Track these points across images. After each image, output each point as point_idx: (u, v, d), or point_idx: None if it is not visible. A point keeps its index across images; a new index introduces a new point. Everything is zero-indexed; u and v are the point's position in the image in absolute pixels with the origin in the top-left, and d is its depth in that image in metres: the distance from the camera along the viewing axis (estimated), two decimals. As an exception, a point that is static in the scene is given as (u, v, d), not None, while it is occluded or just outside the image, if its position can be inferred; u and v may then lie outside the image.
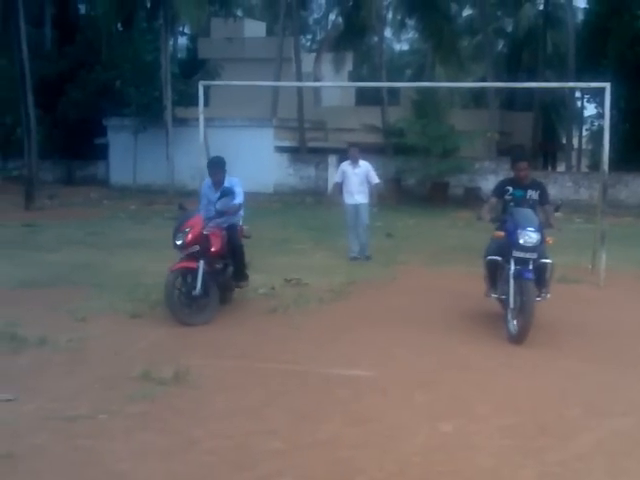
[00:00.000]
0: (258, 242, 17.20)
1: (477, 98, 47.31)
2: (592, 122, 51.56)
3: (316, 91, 38.44)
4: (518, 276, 8.49)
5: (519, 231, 8.49)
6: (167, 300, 9.12)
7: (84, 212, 25.25)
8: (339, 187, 15.51)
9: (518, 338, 8.41)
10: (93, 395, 6.61)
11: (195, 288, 9.15)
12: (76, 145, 37.45)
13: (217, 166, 10.06)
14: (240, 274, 10.10)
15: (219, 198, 9.66)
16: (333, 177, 15.30)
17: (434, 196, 29.82)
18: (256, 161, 32.82)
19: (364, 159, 15.93)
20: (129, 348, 8.14)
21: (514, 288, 8.54)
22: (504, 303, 8.96)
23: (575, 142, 46.94)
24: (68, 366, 7.51)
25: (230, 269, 9.93)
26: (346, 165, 15.55)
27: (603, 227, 12.87)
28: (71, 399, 6.47)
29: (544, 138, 43.27)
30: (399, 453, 5.47)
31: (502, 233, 8.78)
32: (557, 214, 9.35)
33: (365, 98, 40.14)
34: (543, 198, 9.29)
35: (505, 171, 31.07)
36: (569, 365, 7.73)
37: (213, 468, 5.17)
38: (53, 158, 36.98)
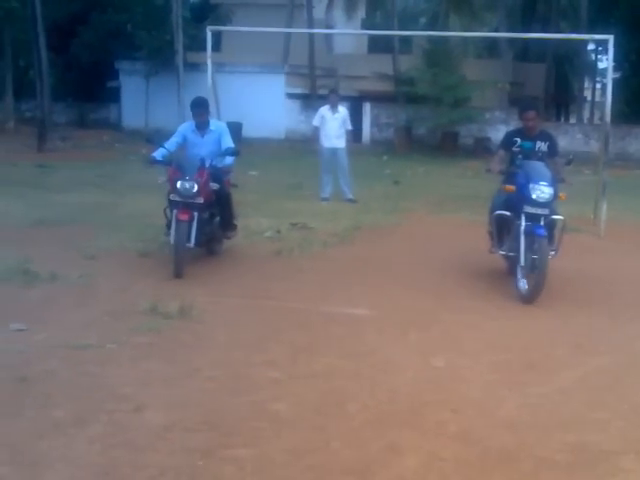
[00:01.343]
0: (267, 187, 17.55)
1: (490, 48, 47.03)
2: (605, 75, 51.20)
3: (328, 38, 38.30)
4: (530, 233, 8.13)
5: (531, 185, 8.09)
6: (177, 251, 8.70)
7: (96, 154, 25.52)
8: (317, 131, 16.00)
9: (530, 297, 8.08)
10: (101, 327, 6.91)
11: (189, 240, 8.75)
12: (88, 88, 37.60)
13: (201, 106, 9.53)
14: (228, 224, 9.84)
15: (223, 154, 9.42)
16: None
17: (444, 145, 29.96)
18: (267, 107, 32.98)
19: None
20: (137, 284, 8.42)
21: (525, 245, 8.17)
22: (511, 260, 8.75)
23: (589, 94, 46.79)
24: (78, 300, 7.81)
25: (217, 219, 9.61)
26: (325, 110, 16.05)
27: (604, 178, 13.03)
28: (80, 330, 6.78)
29: (557, 90, 43.10)
30: (390, 384, 5.76)
31: (512, 187, 8.35)
32: (568, 168, 9.03)
33: (377, 46, 39.99)
34: (552, 150, 8.89)
35: (515, 121, 31.12)
36: (561, 309, 7.97)
37: (213, 393, 5.47)
38: (66, 101, 37.14)
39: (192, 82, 30.32)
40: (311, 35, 32.74)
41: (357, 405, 5.33)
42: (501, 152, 9.06)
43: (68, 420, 4.93)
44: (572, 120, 46.04)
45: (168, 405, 5.23)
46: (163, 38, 32.02)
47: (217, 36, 30.21)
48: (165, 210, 9.21)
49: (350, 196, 15.73)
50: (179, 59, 30.11)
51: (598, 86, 51.18)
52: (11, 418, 4.97)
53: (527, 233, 8.16)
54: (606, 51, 40.65)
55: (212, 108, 13.57)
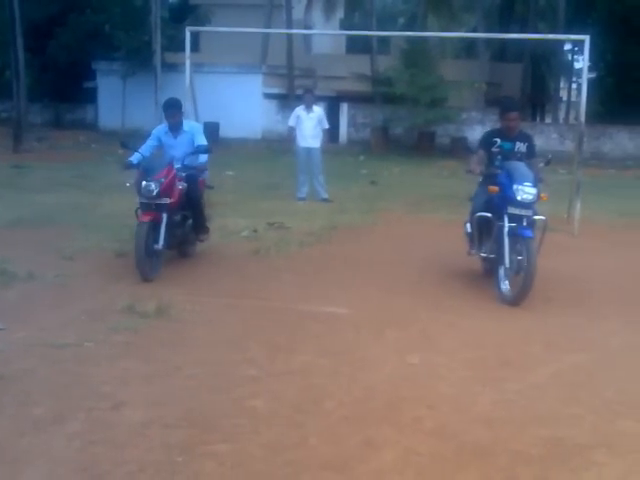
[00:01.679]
0: (244, 187, 17.60)
1: (468, 48, 47.30)
2: (581, 75, 51.57)
3: (306, 38, 38.38)
4: (514, 234, 8.05)
5: (516, 186, 8.01)
6: (137, 252, 8.40)
7: (72, 155, 25.43)
8: (293, 131, 16.09)
9: (515, 299, 8.00)
10: (79, 326, 6.93)
11: (157, 242, 8.56)
12: (65, 88, 37.48)
13: (174, 107, 9.34)
14: (200, 227, 9.64)
15: (192, 153, 9.24)
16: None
17: (421, 145, 30.09)
18: (245, 107, 33.01)
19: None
20: (114, 284, 8.44)
21: (509, 247, 8.09)
22: (490, 262, 8.69)
23: (565, 94, 47.11)
24: (55, 299, 7.83)
25: (189, 222, 9.40)
26: (301, 110, 16.17)
27: (579, 178, 13.17)
28: (58, 329, 6.79)
29: (533, 90, 43.38)
30: (367, 381, 5.82)
31: (496, 188, 8.25)
32: (545, 168, 8.93)
33: (355, 46, 40.16)
34: (530, 151, 8.82)
35: (492, 122, 31.32)
36: (536, 307, 8.04)
37: (193, 391, 5.51)
38: (42, 101, 37.01)
39: (170, 83, 30.25)
40: (289, 35, 32.77)
41: (334, 402, 5.39)
42: (481, 152, 8.90)
43: (48, 418, 4.96)
44: (548, 120, 46.37)
45: (147, 402, 5.26)
46: (141, 39, 31.97)
47: (195, 36, 30.19)
48: (136, 211, 9.02)
49: (325, 196, 15.84)
50: (157, 59, 30.07)
51: (574, 86, 51.54)
52: (-10, 416, 4.99)
53: (511, 234, 8.07)
54: (582, 51, 41.01)
55: (190, 109, 13.62)
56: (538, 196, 8.15)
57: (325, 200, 15.66)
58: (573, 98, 52.14)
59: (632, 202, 17.06)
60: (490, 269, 8.85)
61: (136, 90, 32.53)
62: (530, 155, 8.79)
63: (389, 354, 6.49)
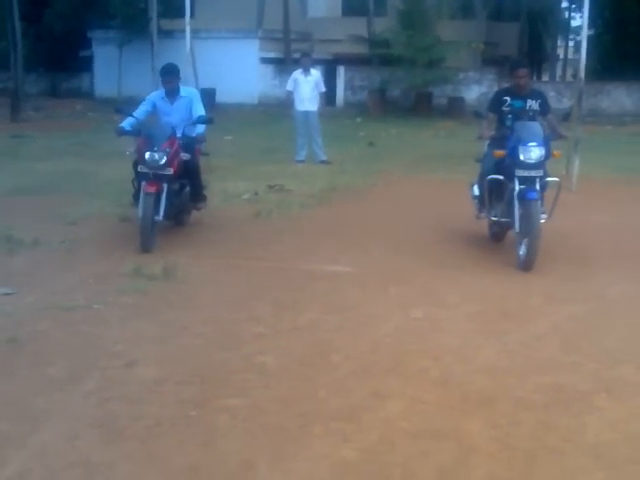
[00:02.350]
0: (243, 151, 17.67)
1: (464, 8, 46.99)
2: (578, 32, 51.36)
3: (302, 1, 38.15)
4: (523, 196, 7.84)
5: (520, 147, 7.80)
6: (143, 223, 8.29)
7: (70, 124, 25.44)
8: (291, 95, 16.11)
9: (525, 265, 7.81)
10: (88, 289, 7.05)
11: (158, 213, 8.41)
12: (61, 57, 37.31)
13: (171, 73, 9.11)
14: (198, 195, 9.46)
15: (195, 122, 9.04)
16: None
17: (418, 106, 30.06)
18: (241, 72, 32.93)
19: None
20: (119, 249, 8.54)
21: (520, 210, 7.90)
22: (499, 226, 8.62)
23: (562, 52, 46.96)
24: (62, 264, 7.95)
25: (187, 190, 9.22)
26: (298, 74, 16.22)
27: (577, 134, 13.23)
28: (67, 292, 6.91)
29: (530, 48, 43.23)
30: (372, 335, 5.95)
31: (502, 152, 8.00)
32: (565, 123, 8.61)
33: (352, 9, 39.86)
34: (544, 108, 8.49)
35: (489, 81, 31.38)
36: (536, 261, 8.15)
37: (202, 349, 5.64)
38: (37, 71, 36.90)
39: (166, 50, 30.11)
40: (285, -1, 32.61)
41: (341, 356, 5.52)
42: (490, 115, 8.60)
43: (63, 377, 5.09)
44: (545, 78, 46.23)
45: (159, 361, 5.40)
46: (137, 6, 31.86)
47: (191, 2, 29.97)
48: (133, 181, 8.94)
49: (323, 158, 15.94)
50: (153, 27, 29.84)
51: (571, 44, 51.38)
52: (6, 377, 5.11)
53: (520, 197, 7.88)
54: (579, 9, 40.80)
55: (190, 75, 13.64)
56: (547, 155, 7.91)
57: (324, 162, 15.77)
58: (570, 56, 51.95)
59: (629, 158, 17.14)
60: (499, 233, 8.81)
61: (132, 58, 32.42)
62: (544, 112, 8.51)
63: (393, 309, 6.62)
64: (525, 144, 7.81)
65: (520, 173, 7.86)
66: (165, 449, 4.20)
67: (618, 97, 29.61)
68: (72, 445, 4.21)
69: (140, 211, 8.40)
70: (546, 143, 7.93)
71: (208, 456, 4.14)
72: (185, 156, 8.85)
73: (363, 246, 8.92)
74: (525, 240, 7.84)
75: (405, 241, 9.23)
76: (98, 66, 36.46)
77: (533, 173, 7.86)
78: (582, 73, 13.29)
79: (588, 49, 13.56)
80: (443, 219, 10.36)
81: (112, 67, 33.29)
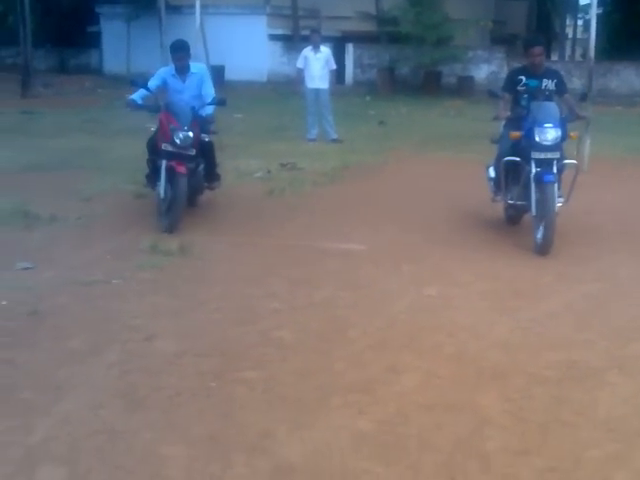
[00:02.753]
0: (253, 129, 17.71)
1: (473, -14, 46.77)
2: (587, 11, 51.10)
3: (310, -22, 37.97)
4: (539, 179, 7.68)
5: (535, 128, 7.63)
6: (179, 205, 8.25)
7: (79, 100, 25.48)
8: (302, 73, 16.12)
9: (541, 249, 7.69)
10: (105, 264, 7.16)
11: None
12: (68, 33, 37.25)
13: (182, 50, 8.93)
14: (212, 174, 9.33)
15: (209, 104, 8.89)
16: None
17: (427, 85, 29.98)
18: (250, 49, 32.85)
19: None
20: (135, 225, 8.64)
21: (536, 193, 7.73)
22: (516, 209, 8.47)
23: (570, 31, 46.75)
24: (79, 240, 8.06)
25: (201, 168, 9.04)
26: (308, 51, 16.21)
27: (588, 114, 13.24)
28: (85, 267, 7.02)
29: (538, 27, 43.02)
30: (387, 312, 6.05)
31: (518, 133, 7.85)
32: (584, 104, 8.30)
33: (359, -15, 39.68)
34: (561, 87, 8.27)
35: (498, 60, 31.30)
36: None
37: (220, 324, 5.75)
38: (45, 47, 36.80)
39: (174, 25, 30.01)
40: (293, -25, 32.49)
41: (357, 331, 5.62)
42: (506, 96, 8.36)
43: (84, 349, 5.20)
44: (554, 57, 46.03)
45: (177, 334, 5.50)
46: (144, -19, 31.72)
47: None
48: (148, 161, 8.92)
49: (335, 136, 15.97)
50: (161, 2, 29.79)
51: (580, 23, 51.15)
52: (28, 349, 5.23)
53: (537, 180, 7.70)
54: (588, -12, 40.45)
55: (200, 52, 13.67)
56: (564, 136, 7.76)
57: (335, 140, 15.81)
58: (579, 35, 51.75)
59: (639, 138, 17.15)
60: (515, 216, 8.73)
61: (140, 34, 32.34)
62: (561, 92, 8.29)
63: (407, 287, 6.71)
64: (541, 125, 7.63)
65: (536, 155, 7.68)
66: (186, 418, 4.31)
67: (627, 77, 29.51)
68: (95, 414, 4.32)
69: (163, 191, 8.29)
70: (563, 124, 7.75)
71: (228, 425, 4.24)
72: (205, 137, 8.83)
73: (375, 224, 9.00)
74: (542, 224, 7.68)
75: (417, 219, 9.30)
76: (106, 42, 36.40)
77: (549, 155, 7.68)
78: (592, 52, 13.29)
79: (597, 28, 13.51)
80: (454, 198, 10.42)
81: (120, 43, 33.26)
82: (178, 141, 8.25)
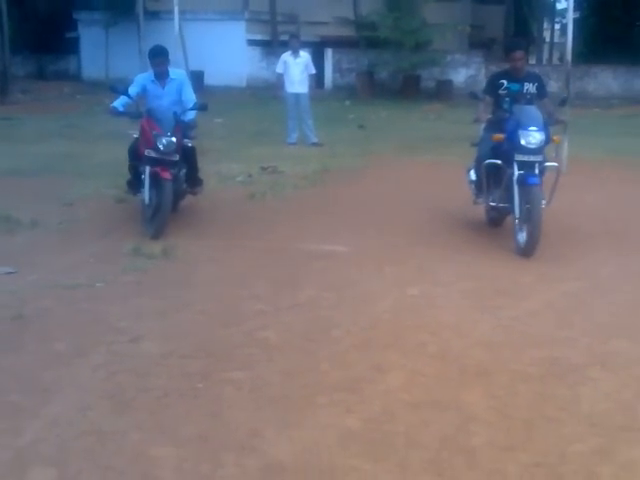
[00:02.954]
0: (234, 134, 17.73)
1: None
2: (564, 15, 51.47)
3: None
4: (523, 182, 7.72)
5: (520, 131, 7.65)
6: (165, 211, 8.18)
7: (58, 106, 25.38)
8: (281, 78, 16.19)
9: (526, 250, 7.69)
10: (89, 268, 7.16)
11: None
12: (46, 39, 37.11)
13: (161, 55, 8.84)
14: (195, 179, 9.24)
15: (190, 109, 8.80)
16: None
17: (406, 89, 30.10)
18: (228, 55, 32.87)
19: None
20: (117, 229, 8.65)
21: (519, 195, 7.76)
22: (498, 212, 8.50)
23: (548, 35, 47.08)
24: (62, 244, 8.05)
25: (182, 173, 8.95)
26: (287, 56, 16.31)
27: (566, 116, 13.35)
28: (69, 271, 7.02)
29: (516, 31, 43.29)
30: (371, 312, 6.10)
31: (501, 136, 7.86)
32: (563, 108, 8.28)
33: (337, -10, 39.77)
34: (542, 91, 8.32)
35: (476, 64, 31.47)
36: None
37: (205, 325, 5.77)
38: (23, 53, 36.65)
39: (153, 31, 29.95)
40: (271, -20, 32.54)
41: (342, 331, 5.66)
42: (487, 99, 8.41)
43: (70, 352, 5.21)
44: (531, 61, 46.33)
45: (163, 336, 5.52)
46: (122, -14, 31.69)
47: (176, -17, 29.96)
48: (129, 167, 8.91)
49: (315, 140, 16.03)
50: (139, 8, 29.70)
51: (557, 27, 51.52)
52: (14, 352, 5.23)
53: (520, 182, 7.74)
54: (564, -8, 40.71)
55: (180, 57, 13.68)
56: (547, 140, 7.81)
57: (315, 144, 15.87)
58: (556, 39, 52.13)
59: (617, 140, 17.34)
60: (497, 218, 8.74)
61: (119, 39, 32.29)
62: (541, 96, 8.32)
63: (390, 287, 6.76)
64: (526, 128, 7.66)
65: (520, 158, 7.73)
66: (174, 419, 4.33)
67: (605, 80, 29.79)
68: (83, 415, 4.34)
69: (147, 197, 8.29)
70: (546, 128, 7.80)
71: (216, 425, 4.27)
72: (187, 142, 8.79)
73: (357, 226, 9.04)
74: (526, 226, 7.72)
75: (399, 221, 9.35)
76: (85, 48, 36.30)
77: (533, 158, 7.73)
78: (569, 56, 13.41)
79: (574, 32, 13.64)
80: (435, 200, 10.48)
81: (99, 49, 33.19)
82: (162, 147, 8.22)
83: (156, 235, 8.17)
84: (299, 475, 3.82)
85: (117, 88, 8.86)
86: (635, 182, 12.13)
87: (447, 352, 5.31)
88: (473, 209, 9.09)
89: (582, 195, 10.96)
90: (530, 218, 7.60)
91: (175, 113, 8.56)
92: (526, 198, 7.71)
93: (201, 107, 8.90)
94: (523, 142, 7.66)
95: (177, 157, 8.40)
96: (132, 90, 8.87)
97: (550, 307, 6.29)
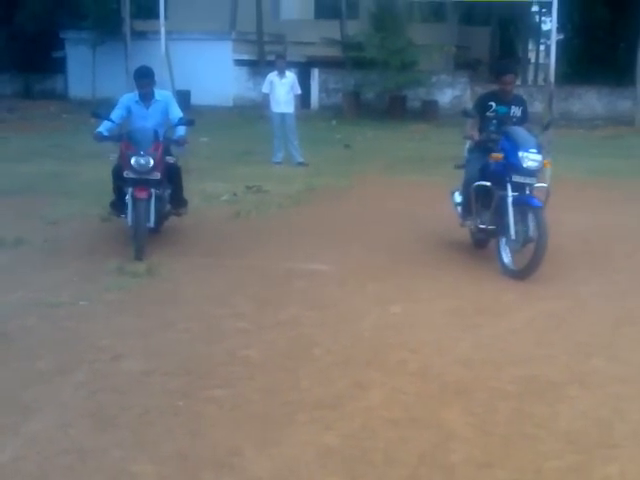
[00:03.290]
0: (220, 153, 17.79)
1: (436, 12, 47.36)
2: (549, 37, 51.87)
3: (274, 4, 38.28)
4: (520, 204, 7.69)
5: (522, 153, 7.58)
6: (139, 231, 8.12)
7: (45, 125, 25.37)
8: (267, 97, 16.26)
9: (527, 272, 7.60)
10: (72, 286, 7.18)
11: (148, 220, 8.21)
12: (33, 58, 37.04)
13: (147, 77, 8.81)
14: (179, 200, 9.17)
15: (177, 124, 8.78)
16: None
17: (392, 109, 30.23)
18: (215, 75, 32.98)
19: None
20: (102, 247, 8.66)
21: (515, 217, 7.70)
22: (486, 234, 8.35)
23: (533, 56, 47.45)
24: (46, 263, 8.06)
25: (167, 194, 8.87)
26: (273, 76, 16.38)
27: (550, 137, 13.48)
28: (52, 290, 7.04)
29: (501, 52, 43.65)
30: (352, 330, 6.14)
31: (500, 155, 7.80)
32: (547, 132, 8.34)
33: (324, 11, 40.03)
34: (525, 115, 8.41)
35: (461, 84, 31.66)
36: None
37: (187, 343, 5.80)
38: (10, 72, 36.67)
39: (140, 51, 30.08)
40: (258, 1, 32.69)
41: (323, 349, 5.71)
42: (477, 117, 8.36)
43: (52, 370, 5.23)
44: (517, 82, 46.64)
45: (145, 354, 5.55)
46: (109, 6, 31.84)
47: (164, 3, 30.09)
48: (114, 189, 8.84)
49: (300, 159, 16.10)
50: (126, 27, 29.83)
51: (542, 48, 51.89)
52: (-4, 370, 5.25)
53: (516, 204, 7.70)
54: (550, 13, 41.24)
55: (166, 77, 13.74)
56: (542, 163, 7.82)
57: (301, 164, 15.94)
58: (541, 60, 52.48)
59: (601, 161, 17.47)
60: (483, 240, 8.70)
61: (106, 59, 32.36)
62: (524, 120, 8.38)
63: (372, 305, 6.81)
64: (526, 149, 7.62)
65: (517, 179, 7.69)
66: (154, 436, 4.36)
67: (589, 101, 30.00)
68: (64, 433, 4.36)
69: (131, 219, 8.25)
70: (540, 150, 7.80)
71: (196, 443, 4.30)
72: (170, 159, 8.69)
73: (341, 245, 9.09)
74: (522, 248, 7.74)
75: (382, 241, 9.40)
76: (71, 67, 36.36)
77: (529, 180, 7.74)
78: (552, 77, 13.56)
79: (558, 53, 13.81)
80: (419, 220, 10.54)
81: (86, 68, 33.25)
82: (136, 166, 8.17)
83: (138, 256, 8.10)
84: (278, 492, 3.85)
85: (99, 114, 8.85)
86: (616, 203, 12.25)
87: (427, 370, 5.36)
88: (456, 229, 9.11)
89: (564, 215, 11.01)
90: (535, 241, 7.53)
91: (156, 132, 8.55)
92: (525, 220, 7.68)
93: (188, 122, 8.86)
94: (525, 164, 7.61)
95: (158, 175, 8.31)
96: (116, 114, 8.88)
97: (530, 325, 6.35)
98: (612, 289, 7.50)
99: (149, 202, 8.24)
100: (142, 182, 8.24)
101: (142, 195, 8.18)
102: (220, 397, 4.85)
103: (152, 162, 8.19)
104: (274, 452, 4.20)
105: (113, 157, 8.85)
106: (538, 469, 4.07)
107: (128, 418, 4.55)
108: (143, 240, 8.18)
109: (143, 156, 8.19)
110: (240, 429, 4.46)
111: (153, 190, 8.30)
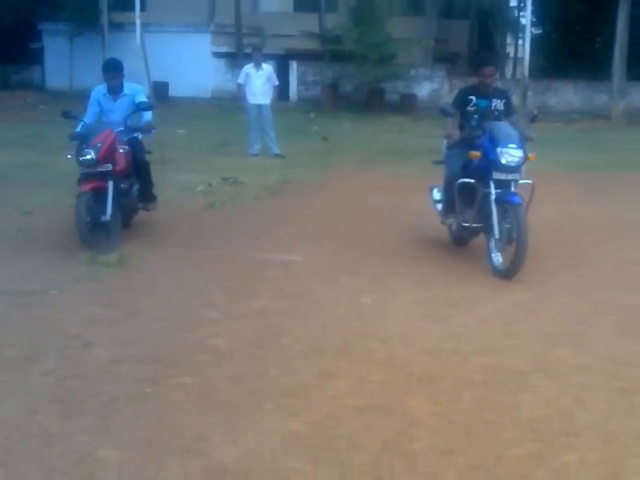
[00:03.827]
0: (196, 145, 17.78)
1: (415, 6, 47.40)
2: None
3: (254, -4, 38.21)
4: (502, 201, 7.48)
5: (500, 149, 7.35)
6: (79, 225, 7.84)
7: (21, 115, 25.23)
8: (243, 89, 16.33)
9: (510, 271, 7.39)
10: (43, 276, 7.20)
11: (104, 213, 7.96)
12: (11, 49, 36.84)
13: (115, 69, 8.73)
14: (148, 194, 9.08)
15: (133, 112, 8.70)
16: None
17: (370, 102, 30.27)
18: (194, 67, 32.93)
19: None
20: (74, 237, 8.61)
21: (498, 215, 7.50)
22: (470, 232, 8.17)
23: (512, 50, 47.59)
24: (18, 252, 8.07)
25: (135, 189, 8.78)
26: (250, 67, 16.45)
27: (535, 135, 13.54)
28: (23, 279, 7.06)
29: (480, 46, 43.76)
30: (322, 320, 6.19)
31: (478, 153, 7.60)
32: (532, 125, 8.13)
33: (303, 4, 39.96)
34: (508, 108, 8.14)
35: (439, 78, 31.76)
36: (480, 252, 8.38)
37: (157, 332, 5.83)
38: (-13, 63, 36.49)
39: (117, 42, 30.07)
40: (237, -8, 32.66)
41: (292, 339, 5.75)
42: (458, 114, 8.12)
43: (21, 357, 5.25)
44: (496, 75, 46.80)
45: (114, 342, 5.57)
46: (87, -2, 31.69)
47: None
48: (79, 183, 8.44)
49: (277, 151, 16.13)
50: (104, 19, 29.80)
51: (520, 42, 52.07)
52: (-35, 358, 5.26)
53: (498, 202, 7.49)
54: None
55: (142, 69, 13.72)
56: (525, 157, 7.55)
57: (277, 156, 15.97)
58: (520, 54, 52.69)
59: (577, 154, 17.60)
60: (464, 239, 8.54)
61: (83, 50, 32.25)
62: (508, 113, 8.13)
63: (343, 296, 6.86)
64: (505, 145, 7.39)
65: (498, 176, 7.48)
66: (121, 423, 4.39)
67: (566, 95, 30.13)
68: (32, 418, 4.39)
69: (75, 213, 7.95)
70: (523, 145, 7.56)
71: (163, 429, 4.33)
72: (123, 148, 8.41)
73: (315, 237, 9.13)
74: (506, 246, 7.54)
75: (357, 233, 9.44)
76: (49, 58, 36.17)
77: (511, 176, 7.53)
78: (526, 71, 13.69)
79: (536, 47, 13.94)
80: (396, 213, 10.59)
81: (63, 59, 33.10)
82: (81, 162, 8.01)
83: (87, 246, 7.87)
84: (241, 476, 3.89)
85: (69, 114, 8.74)
86: (589, 195, 12.37)
87: (394, 359, 5.41)
88: (432, 222, 9.11)
89: (537, 207, 11.09)
90: (514, 239, 7.39)
91: (109, 123, 8.43)
92: (508, 218, 7.52)
93: (145, 106, 8.74)
94: (504, 160, 7.39)
95: (107, 167, 8.00)
96: (90, 112, 8.86)
97: (499, 316, 6.41)
98: (580, 281, 7.58)
99: (103, 195, 7.98)
100: (94, 175, 8.00)
101: (84, 188, 7.95)
102: (188, 384, 4.88)
103: (92, 154, 7.90)
104: (240, 438, 4.24)
105: (71, 155, 8.43)
106: (499, 456, 4.13)
107: (95, 405, 4.57)
108: (85, 234, 7.87)
109: (85, 149, 7.98)
110: (207, 416, 4.49)
111: (110, 182, 8.03)
